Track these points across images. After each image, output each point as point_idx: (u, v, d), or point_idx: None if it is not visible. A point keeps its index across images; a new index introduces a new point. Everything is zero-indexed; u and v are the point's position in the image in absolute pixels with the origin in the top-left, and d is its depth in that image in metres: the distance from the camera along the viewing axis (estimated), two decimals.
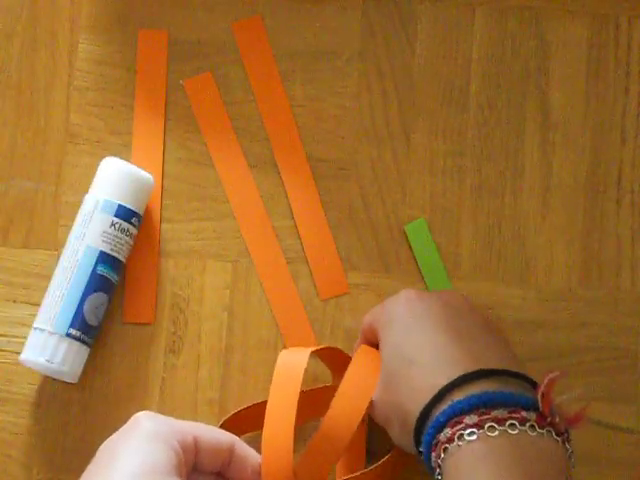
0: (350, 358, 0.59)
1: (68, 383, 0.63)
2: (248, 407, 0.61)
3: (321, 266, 0.65)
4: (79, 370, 0.62)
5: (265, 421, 0.55)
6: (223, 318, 0.64)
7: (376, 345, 0.59)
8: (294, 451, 0.54)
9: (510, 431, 0.48)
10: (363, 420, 0.58)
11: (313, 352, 0.59)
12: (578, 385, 0.64)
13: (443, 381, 0.51)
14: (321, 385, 0.63)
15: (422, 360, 0.53)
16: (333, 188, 0.66)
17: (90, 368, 0.63)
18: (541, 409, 0.50)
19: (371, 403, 0.56)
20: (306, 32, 0.68)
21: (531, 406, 0.50)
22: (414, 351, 0.54)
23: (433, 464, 0.50)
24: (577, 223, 0.66)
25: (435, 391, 0.51)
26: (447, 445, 0.49)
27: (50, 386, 0.64)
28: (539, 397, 0.50)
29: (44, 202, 0.66)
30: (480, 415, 0.48)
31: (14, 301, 0.65)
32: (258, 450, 0.55)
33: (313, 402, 0.61)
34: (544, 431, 0.49)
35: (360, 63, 0.67)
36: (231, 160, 0.66)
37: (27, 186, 0.66)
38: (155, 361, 0.64)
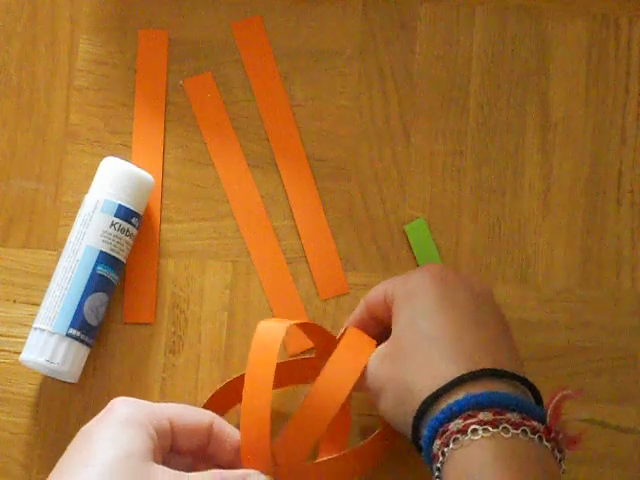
0: (332, 337, 0.59)
1: (68, 383, 0.63)
2: (228, 383, 0.61)
3: (321, 266, 0.65)
4: (79, 370, 0.62)
5: (243, 397, 0.54)
6: (223, 318, 0.64)
7: (378, 320, 0.58)
8: (275, 429, 0.54)
9: (521, 437, 0.48)
10: (347, 401, 0.58)
11: (293, 325, 0.58)
12: (578, 385, 0.64)
13: (462, 369, 0.50)
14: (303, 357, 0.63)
15: (444, 340, 0.52)
16: (333, 188, 0.66)
17: (90, 368, 0.63)
18: (548, 424, 0.50)
19: (362, 375, 0.55)
20: (306, 32, 0.68)
21: (539, 417, 0.50)
22: (436, 329, 0.53)
23: (434, 450, 0.50)
24: (577, 223, 0.66)
25: (452, 377, 0.50)
26: (458, 436, 0.48)
27: (50, 386, 0.64)
28: (549, 412, 0.50)
29: (44, 202, 0.66)
30: (495, 414, 0.48)
31: (14, 301, 0.65)
32: (238, 427, 0.54)
33: (293, 371, 0.61)
34: (549, 445, 0.49)
35: (360, 63, 0.67)
36: (231, 160, 0.66)
37: (27, 186, 0.66)
38: (155, 361, 0.64)
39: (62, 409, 0.64)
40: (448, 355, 0.52)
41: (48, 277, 0.63)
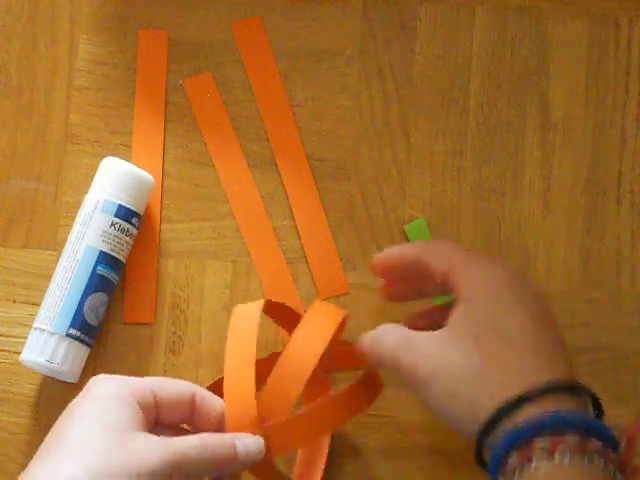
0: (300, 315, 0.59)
1: (68, 383, 0.63)
2: (217, 381, 0.60)
3: (321, 266, 0.65)
4: (79, 370, 0.62)
5: (225, 365, 0.54)
6: (223, 318, 0.64)
7: (413, 280, 0.57)
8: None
9: (601, 466, 0.47)
10: (327, 371, 0.58)
11: (267, 303, 0.58)
12: None
13: (547, 377, 0.49)
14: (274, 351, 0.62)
15: (523, 345, 0.50)
16: (333, 188, 0.66)
17: (90, 368, 0.63)
18: (622, 455, 0.49)
19: (409, 352, 0.53)
20: (306, 32, 0.68)
21: (614, 445, 0.49)
22: (518, 331, 0.51)
23: (510, 461, 0.48)
24: (577, 223, 0.66)
25: (537, 385, 0.48)
26: (544, 454, 0.47)
27: (50, 386, 0.64)
28: (624, 445, 0.49)
29: (44, 202, 0.66)
30: (581, 439, 0.47)
31: (14, 301, 0.65)
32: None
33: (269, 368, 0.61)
34: (620, 478, 0.48)
35: (360, 63, 0.67)
36: (231, 160, 0.66)
37: (27, 186, 0.66)
38: (155, 361, 0.64)
39: (62, 409, 0.63)
40: (534, 361, 0.50)
41: (48, 277, 0.63)
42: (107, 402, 0.50)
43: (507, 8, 0.68)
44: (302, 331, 0.55)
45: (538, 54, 0.68)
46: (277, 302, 0.60)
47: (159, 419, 0.52)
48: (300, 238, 0.66)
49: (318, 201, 0.66)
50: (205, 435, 0.51)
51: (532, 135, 0.67)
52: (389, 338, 0.54)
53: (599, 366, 0.64)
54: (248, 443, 0.52)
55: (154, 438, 0.49)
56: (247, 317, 0.56)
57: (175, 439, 0.50)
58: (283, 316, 0.61)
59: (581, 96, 0.67)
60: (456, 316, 0.52)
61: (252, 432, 0.52)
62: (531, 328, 0.51)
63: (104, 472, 0.46)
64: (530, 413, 0.48)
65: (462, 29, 0.68)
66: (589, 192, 0.66)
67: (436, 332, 0.52)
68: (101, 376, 0.52)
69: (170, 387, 0.53)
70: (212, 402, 0.54)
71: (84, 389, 0.52)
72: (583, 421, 0.48)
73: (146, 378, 0.53)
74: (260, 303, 0.57)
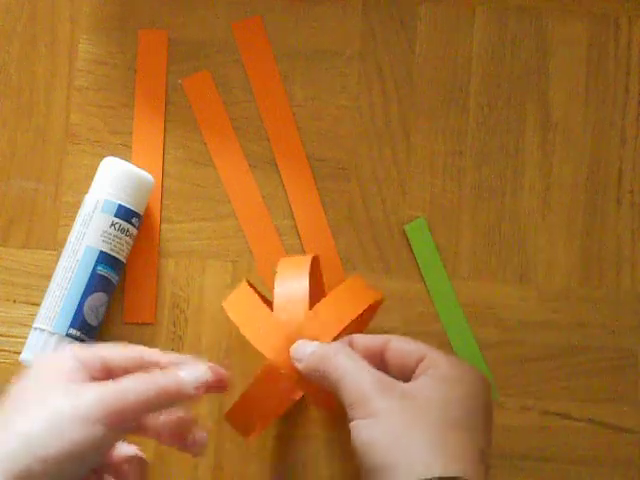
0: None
1: None
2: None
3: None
4: None
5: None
6: (223, 318, 0.64)
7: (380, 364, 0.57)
8: None
9: None
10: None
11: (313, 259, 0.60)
12: (578, 385, 0.64)
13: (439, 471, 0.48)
14: None
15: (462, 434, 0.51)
16: (333, 188, 0.66)
17: None
18: None
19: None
20: (306, 32, 0.68)
21: None
22: (468, 420, 0.51)
23: None
24: (577, 223, 0.66)
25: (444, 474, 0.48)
26: None
27: None
28: None
29: (44, 202, 0.66)
30: None
31: (14, 301, 0.65)
32: None
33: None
34: None
35: (360, 63, 0.67)
36: (231, 159, 0.66)
37: (27, 186, 0.66)
38: None
39: None
40: (466, 452, 0.50)
41: (48, 277, 0.63)
42: (49, 365, 0.51)
43: (507, 8, 0.68)
44: (342, 291, 0.57)
45: (538, 54, 0.68)
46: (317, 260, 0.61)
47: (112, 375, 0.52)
48: (300, 238, 0.66)
49: (318, 201, 0.66)
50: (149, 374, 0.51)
51: (532, 135, 0.67)
52: (342, 360, 0.53)
53: (599, 366, 0.64)
54: (193, 369, 0.52)
55: (93, 383, 0.50)
56: (298, 263, 0.58)
57: (122, 380, 0.50)
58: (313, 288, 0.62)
59: (581, 96, 0.67)
60: (422, 384, 0.52)
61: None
62: (487, 439, 0.51)
63: (51, 420, 0.48)
64: None
65: (462, 29, 0.68)
66: (589, 192, 0.66)
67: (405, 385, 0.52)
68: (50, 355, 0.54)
69: (117, 348, 0.53)
70: (154, 354, 0.53)
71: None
72: None
73: (94, 347, 0.53)
74: (308, 258, 0.59)
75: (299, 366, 0.54)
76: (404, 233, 0.66)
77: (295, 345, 0.55)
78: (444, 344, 0.64)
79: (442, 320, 0.65)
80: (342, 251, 0.66)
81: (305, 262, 0.58)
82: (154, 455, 0.63)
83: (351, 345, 0.55)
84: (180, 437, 0.54)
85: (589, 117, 0.67)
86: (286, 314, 0.55)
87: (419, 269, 0.65)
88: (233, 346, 0.64)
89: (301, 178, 0.66)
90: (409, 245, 0.66)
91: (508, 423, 0.64)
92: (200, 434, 0.54)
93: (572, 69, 0.67)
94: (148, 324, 0.65)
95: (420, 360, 0.54)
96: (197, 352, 0.64)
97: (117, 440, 0.52)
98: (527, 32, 0.68)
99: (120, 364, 0.52)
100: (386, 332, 0.64)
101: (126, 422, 0.49)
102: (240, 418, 0.57)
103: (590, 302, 0.65)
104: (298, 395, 0.62)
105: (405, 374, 0.54)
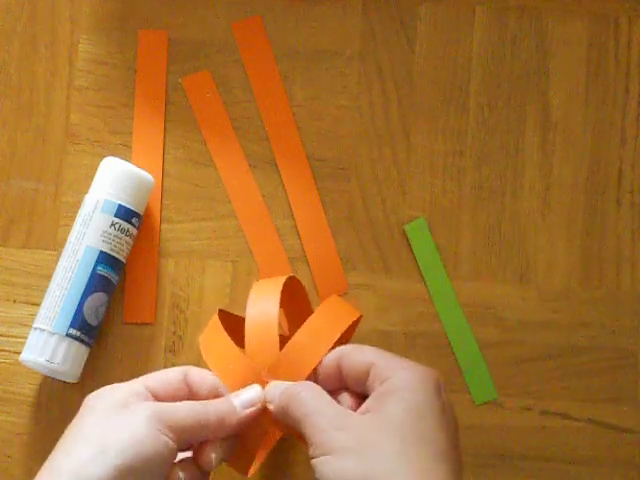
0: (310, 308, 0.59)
1: (68, 383, 0.63)
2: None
3: (321, 266, 0.65)
4: (79, 370, 0.62)
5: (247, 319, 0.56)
6: None
7: (338, 381, 0.56)
8: None
9: None
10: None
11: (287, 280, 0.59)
12: (578, 385, 0.64)
13: None
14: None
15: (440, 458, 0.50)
16: (333, 188, 0.66)
17: (90, 368, 0.63)
18: None
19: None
20: (306, 32, 0.68)
21: None
22: (440, 443, 0.51)
23: None
24: (577, 223, 0.66)
25: None
26: None
27: (50, 386, 0.64)
28: None
29: (44, 202, 0.66)
30: None
31: (14, 301, 0.65)
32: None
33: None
34: None
35: (360, 63, 0.67)
36: (231, 159, 0.66)
37: (27, 186, 0.66)
38: (155, 361, 0.64)
39: (62, 409, 0.64)
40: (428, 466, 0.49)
41: (48, 277, 0.63)
42: (106, 401, 0.53)
43: (507, 8, 0.68)
44: (314, 321, 0.56)
45: (538, 54, 0.68)
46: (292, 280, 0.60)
47: None
48: (300, 238, 0.66)
49: (318, 201, 0.66)
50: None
51: (532, 135, 0.67)
52: (304, 397, 0.53)
53: (599, 366, 0.64)
54: (246, 397, 0.54)
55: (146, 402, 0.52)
56: (269, 289, 0.57)
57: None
58: (292, 307, 0.62)
59: (581, 96, 0.67)
60: (374, 407, 0.52)
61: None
62: (446, 438, 0.51)
63: (106, 446, 0.50)
64: None
65: (462, 29, 0.68)
66: (589, 192, 0.66)
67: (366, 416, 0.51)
68: (92, 395, 0.55)
69: (159, 373, 0.55)
70: (202, 374, 0.55)
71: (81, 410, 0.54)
72: None
73: (135, 380, 0.55)
74: (281, 280, 0.58)
75: (270, 407, 0.54)
76: (404, 233, 0.66)
77: (267, 387, 0.55)
78: (444, 344, 0.65)
79: (442, 320, 0.65)
80: (342, 251, 0.66)
81: (275, 290, 0.57)
82: None
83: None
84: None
85: (589, 117, 0.67)
86: (258, 357, 0.55)
87: (419, 269, 0.65)
88: None
89: (301, 178, 0.66)
90: (409, 245, 0.66)
91: (508, 423, 0.64)
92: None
93: (572, 69, 0.67)
94: (148, 324, 0.65)
95: (369, 369, 0.53)
96: (197, 352, 0.64)
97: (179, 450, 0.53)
98: (527, 32, 0.68)
99: (163, 385, 0.54)
100: (386, 332, 0.64)
101: (184, 433, 0.52)
102: (236, 457, 0.57)
103: (590, 302, 0.65)
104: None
105: (361, 385, 0.54)
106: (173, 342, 0.64)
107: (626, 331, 0.65)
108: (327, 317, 0.56)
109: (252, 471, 0.59)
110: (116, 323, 0.65)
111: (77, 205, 0.64)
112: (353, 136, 0.67)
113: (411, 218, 0.66)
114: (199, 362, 0.64)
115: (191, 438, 0.53)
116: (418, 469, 0.49)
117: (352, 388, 0.54)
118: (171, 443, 0.51)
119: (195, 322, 0.65)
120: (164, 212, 0.66)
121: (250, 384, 0.55)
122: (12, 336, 0.64)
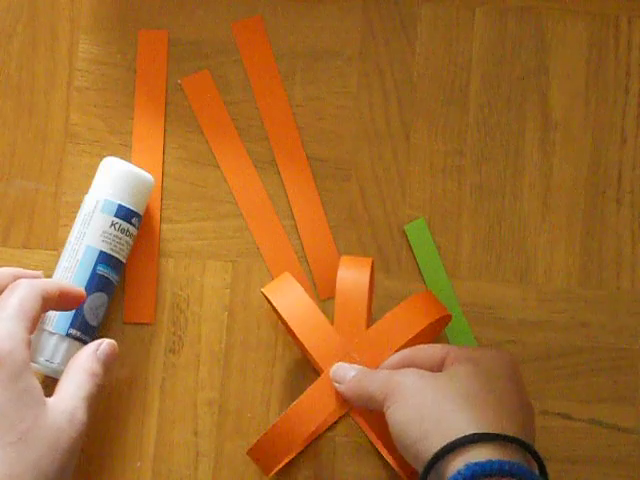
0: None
1: None
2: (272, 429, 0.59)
3: (321, 266, 0.65)
4: None
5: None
6: (223, 318, 0.64)
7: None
8: None
9: None
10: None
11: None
12: (578, 385, 0.64)
13: (500, 429, 0.51)
14: None
15: (506, 408, 0.53)
16: (333, 188, 0.66)
17: None
18: None
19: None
20: (306, 32, 0.68)
21: None
22: (504, 398, 0.54)
23: None
24: (577, 223, 0.66)
25: (493, 430, 0.51)
26: None
27: (50, 386, 0.64)
28: None
29: (44, 202, 0.66)
30: None
31: None
32: None
33: None
34: None
35: (360, 63, 0.67)
36: (234, 156, 0.66)
37: (27, 186, 0.66)
38: (155, 361, 0.64)
39: None
40: (495, 413, 0.53)
41: (48, 277, 0.63)
42: None
43: (507, 8, 0.68)
44: (403, 308, 0.59)
45: (538, 54, 0.68)
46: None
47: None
48: (300, 238, 0.66)
49: (318, 201, 0.66)
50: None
51: (532, 135, 0.67)
52: (377, 380, 0.57)
53: (599, 366, 0.64)
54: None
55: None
56: (357, 267, 0.61)
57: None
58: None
59: (581, 96, 0.67)
60: (447, 367, 0.56)
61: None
62: (516, 401, 0.54)
63: None
64: (479, 454, 0.50)
65: (462, 29, 0.68)
66: (589, 192, 0.66)
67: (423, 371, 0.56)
68: None
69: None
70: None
71: None
72: (522, 472, 0.50)
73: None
74: (369, 260, 0.61)
75: (339, 387, 0.58)
76: (404, 233, 0.66)
77: (335, 368, 0.58)
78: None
79: None
80: (342, 251, 0.66)
81: (364, 270, 0.60)
82: (154, 455, 0.63)
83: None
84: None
85: (589, 117, 0.67)
86: (345, 327, 0.59)
87: (419, 269, 0.65)
88: (233, 346, 0.64)
89: (301, 178, 0.66)
90: (409, 245, 0.66)
91: None
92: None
93: (572, 69, 0.67)
94: (148, 324, 0.65)
95: (444, 357, 0.57)
96: (197, 352, 0.64)
97: None
98: (527, 32, 0.68)
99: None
100: None
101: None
102: (265, 453, 0.57)
103: (590, 302, 0.65)
104: (328, 424, 0.63)
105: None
106: (173, 342, 0.64)
107: (626, 331, 0.65)
108: (416, 307, 0.59)
109: (275, 471, 0.59)
110: (116, 323, 0.65)
111: (77, 205, 0.64)
112: (353, 136, 0.67)
113: (411, 218, 0.66)
114: (199, 362, 0.64)
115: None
116: (483, 415, 0.52)
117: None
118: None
119: (195, 322, 0.65)
120: (164, 212, 0.66)
121: (338, 359, 0.58)
122: None
